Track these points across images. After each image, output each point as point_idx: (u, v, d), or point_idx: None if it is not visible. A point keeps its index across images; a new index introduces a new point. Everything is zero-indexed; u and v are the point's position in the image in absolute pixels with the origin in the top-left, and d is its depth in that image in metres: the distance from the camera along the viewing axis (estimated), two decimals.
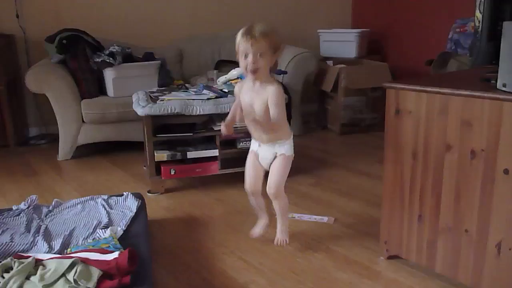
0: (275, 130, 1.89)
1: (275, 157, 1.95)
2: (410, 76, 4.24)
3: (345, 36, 4.62)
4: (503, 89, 1.46)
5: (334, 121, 4.19)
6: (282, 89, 1.83)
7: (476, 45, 1.60)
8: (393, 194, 1.85)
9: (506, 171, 1.47)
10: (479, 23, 1.59)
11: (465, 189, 1.59)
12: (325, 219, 2.37)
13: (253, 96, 1.86)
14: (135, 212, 2.09)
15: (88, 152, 3.64)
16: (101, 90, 3.62)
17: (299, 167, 3.18)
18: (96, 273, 1.49)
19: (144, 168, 3.16)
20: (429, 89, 1.65)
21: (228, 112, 2.75)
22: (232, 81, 3.02)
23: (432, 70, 3.48)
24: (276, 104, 1.79)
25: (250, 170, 2.02)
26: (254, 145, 2.03)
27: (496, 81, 1.51)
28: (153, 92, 3.00)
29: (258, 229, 2.15)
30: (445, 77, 2.12)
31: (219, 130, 2.76)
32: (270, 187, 1.94)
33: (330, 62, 4.39)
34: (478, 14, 1.56)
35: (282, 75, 3.81)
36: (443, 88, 1.61)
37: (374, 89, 4.06)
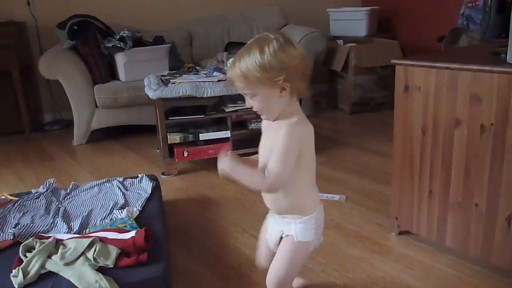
0: (272, 191, 1.24)
1: (282, 237, 1.33)
2: (421, 54, 4.20)
3: (354, 15, 4.58)
4: None
5: (345, 100, 4.19)
6: (300, 130, 1.17)
7: (485, 18, 1.59)
8: (403, 170, 1.87)
9: None
10: None
11: (475, 163, 1.60)
12: (336, 197, 2.40)
13: (266, 137, 1.28)
14: (150, 193, 2.14)
15: (102, 136, 3.70)
16: (113, 75, 3.66)
17: None
18: (114, 251, 1.54)
19: (157, 150, 3.21)
20: (437, 64, 1.65)
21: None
22: None
23: (444, 47, 3.45)
24: (279, 150, 1.15)
25: (259, 242, 1.48)
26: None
27: (506, 55, 1.50)
28: (164, 76, 3.03)
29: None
30: (454, 52, 2.12)
31: (230, 111, 2.80)
32: (269, 282, 1.33)
33: (340, 41, 4.37)
34: None
35: None
36: (452, 63, 1.61)
37: (384, 67, 4.03)
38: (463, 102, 1.59)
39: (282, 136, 1.15)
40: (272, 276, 1.31)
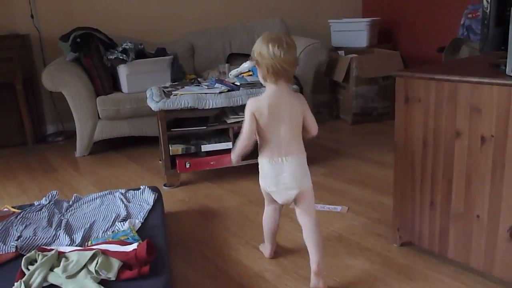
0: (244, 142, 1.74)
1: None
2: (422, 64, 4.22)
3: (355, 26, 4.61)
4: None
5: (346, 110, 4.20)
6: (249, 102, 1.67)
7: (484, 31, 1.61)
8: (405, 181, 1.87)
9: None
10: (486, 8, 1.60)
11: (476, 175, 1.61)
12: (338, 208, 2.40)
13: None
14: (152, 205, 2.14)
15: (104, 148, 3.71)
16: (115, 87, 3.69)
17: (312, 157, 3.20)
18: (116, 263, 1.54)
19: (160, 162, 3.22)
20: (437, 76, 1.66)
21: (241, 105, 2.81)
22: (244, 74, 3.05)
23: (444, 57, 3.47)
24: None
25: None
26: None
27: (505, 67, 1.51)
28: (166, 87, 3.05)
29: None
30: (454, 64, 2.13)
31: (232, 123, 2.81)
32: None
33: (341, 52, 4.39)
34: (485, 1, 1.57)
35: None
36: (452, 75, 1.62)
37: (385, 77, 4.05)
38: (463, 114, 1.60)
39: None
40: None
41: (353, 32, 4.60)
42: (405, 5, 4.75)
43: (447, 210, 1.73)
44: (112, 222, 1.98)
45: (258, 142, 1.73)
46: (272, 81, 1.63)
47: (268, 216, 1.88)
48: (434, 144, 1.72)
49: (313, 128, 1.78)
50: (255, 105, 1.65)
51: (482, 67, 1.74)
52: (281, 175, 1.67)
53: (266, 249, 1.97)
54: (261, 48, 1.59)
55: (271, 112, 1.64)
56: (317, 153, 3.32)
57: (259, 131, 1.68)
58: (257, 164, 1.75)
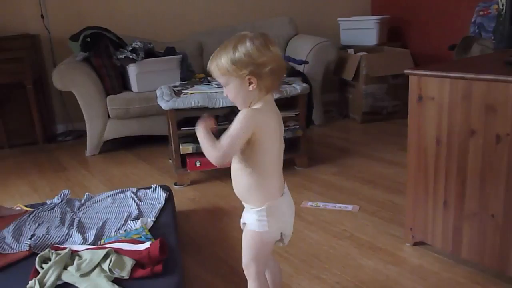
0: (217, 164, 1.28)
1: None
2: (432, 62, 4.19)
3: (365, 24, 4.59)
4: None
5: (356, 109, 4.18)
6: (253, 114, 1.21)
7: (499, 28, 1.59)
8: (418, 180, 1.86)
9: None
10: (502, 6, 1.58)
11: (491, 173, 1.59)
12: (350, 207, 2.39)
13: None
14: (164, 204, 2.15)
15: (114, 147, 3.73)
16: (125, 86, 3.70)
17: (322, 156, 3.20)
18: (129, 262, 1.54)
19: (170, 161, 3.22)
20: (452, 74, 1.64)
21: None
22: None
23: (455, 55, 3.44)
24: (231, 129, 1.21)
25: None
26: None
27: None
28: (176, 86, 3.05)
29: None
30: (468, 61, 2.10)
31: None
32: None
33: (350, 51, 4.37)
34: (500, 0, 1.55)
35: (303, 65, 3.81)
36: (466, 73, 1.60)
37: (395, 76, 4.02)
38: (478, 112, 1.58)
39: (236, 118, 1.21)
40: (242, 262, 1.37)
41: (363, 30, 4.57)
42: (415, 2, 4.71)
43: (461, 209, 1.71)
44: (124, 221, 1.98)
45: (253, 175, 1.27)
46: (271, 91, 1.26)
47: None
48: (448, 142, 1.70)
49: None
50: (259, 119, 1.22)
51: (497, 65, 1.72)
52: (291, 208, 1.37)
53: None
54: (257, 52, 1.18)
55: (275, 129, 1.27)
56: (327, 152, 3.31)
57: (257, 156, 1.25)
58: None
